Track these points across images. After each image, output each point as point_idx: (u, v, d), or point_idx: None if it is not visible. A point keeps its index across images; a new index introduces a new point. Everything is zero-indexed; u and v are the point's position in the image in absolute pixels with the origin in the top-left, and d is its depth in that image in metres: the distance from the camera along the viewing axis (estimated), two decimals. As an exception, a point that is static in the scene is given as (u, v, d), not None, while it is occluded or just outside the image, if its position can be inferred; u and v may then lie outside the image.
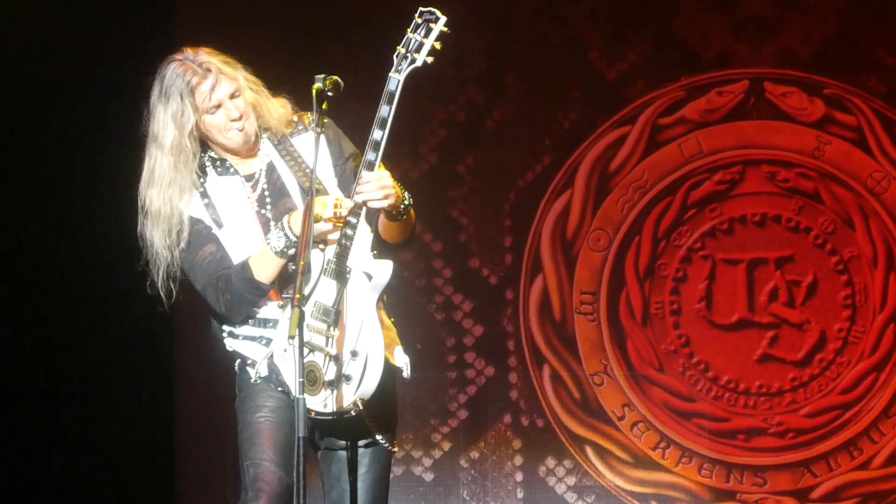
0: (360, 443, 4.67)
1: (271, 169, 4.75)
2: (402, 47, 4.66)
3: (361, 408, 4.61)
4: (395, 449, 4.73)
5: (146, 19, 7.17)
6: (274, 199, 4.73)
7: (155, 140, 4.69)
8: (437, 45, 4.65)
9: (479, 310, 7.19)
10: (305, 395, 4.52)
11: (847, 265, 7.20)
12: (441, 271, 7.26)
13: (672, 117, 7.23)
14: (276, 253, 4.60)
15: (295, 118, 4.78)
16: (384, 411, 4.67)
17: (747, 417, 7.20)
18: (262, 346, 4.68)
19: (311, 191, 4.57)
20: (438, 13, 4.64)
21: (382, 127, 4.60)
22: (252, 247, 4.69)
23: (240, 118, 4.66)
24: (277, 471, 4.58)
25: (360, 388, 4.59)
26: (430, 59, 4.62)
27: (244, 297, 4.66)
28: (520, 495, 7.24)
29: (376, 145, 4.57)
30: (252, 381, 4.70)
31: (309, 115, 4.75)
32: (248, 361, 4.74)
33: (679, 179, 7.24)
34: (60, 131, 7.12)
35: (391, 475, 6.95)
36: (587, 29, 7.23)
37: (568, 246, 7.28)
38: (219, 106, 4.64)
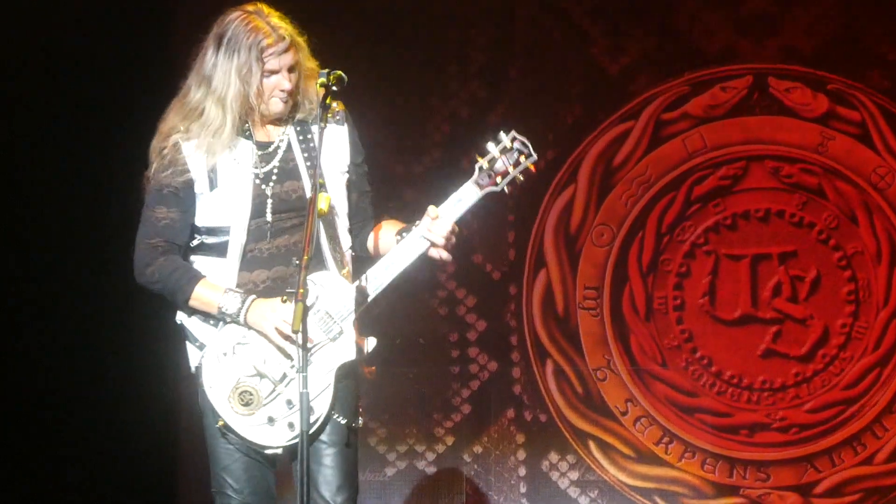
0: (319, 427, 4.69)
1: (288, 148, 4.75)
2: (486, 162, 4.72)
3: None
4: (355, 424, 4.72)
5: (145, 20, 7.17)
6: (281, 179, 4.73)
7: (209, 86, 4.68)
8: (521, 178, 4.72)
9: (483, 305, 7.18)
10: (242, 418, 4.65)
11: (850, 261, 7.20)
12: (444, 266, 7.00)
13: (675, 112, 7.24)
14: (217, 308, 4.64)
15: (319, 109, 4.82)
16: (345, 395, 4.70)
17: (750, 413, 7.19)
18: (212, 329, 4.70)
19: (315, 186, 4.58)
20: (531, 149, 4.72)
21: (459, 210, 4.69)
22: (233, 215, 4.68)
23: (290, 91, 4.68)
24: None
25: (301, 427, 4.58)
26: (508, 189, 4.70)
27: (167, 296, 4.71)
28: (523, 490, 7.24)
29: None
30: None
31: (335, 106, 4.78)
32: (197, 355, 4.74)
33: (682, 175, 7.25)
34: (66, 132, 7.08)
35: (394, 469, 7.07)
36: (590, 24, 7.24)
37: (571, 241, 7.29)
38: (276, 72, 4.65)
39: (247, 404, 4.68)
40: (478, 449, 7.24)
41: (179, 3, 7.30)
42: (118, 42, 7.10)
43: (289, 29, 4.68)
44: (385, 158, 7.12)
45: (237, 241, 4.71)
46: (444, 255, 4.72)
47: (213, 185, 4.70)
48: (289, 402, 4.67)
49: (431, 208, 4.72)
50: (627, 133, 7.25)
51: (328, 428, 4.70)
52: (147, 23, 7.15)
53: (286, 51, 4.65)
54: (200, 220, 4.74)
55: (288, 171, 4.74)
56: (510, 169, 4.70)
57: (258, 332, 4.67)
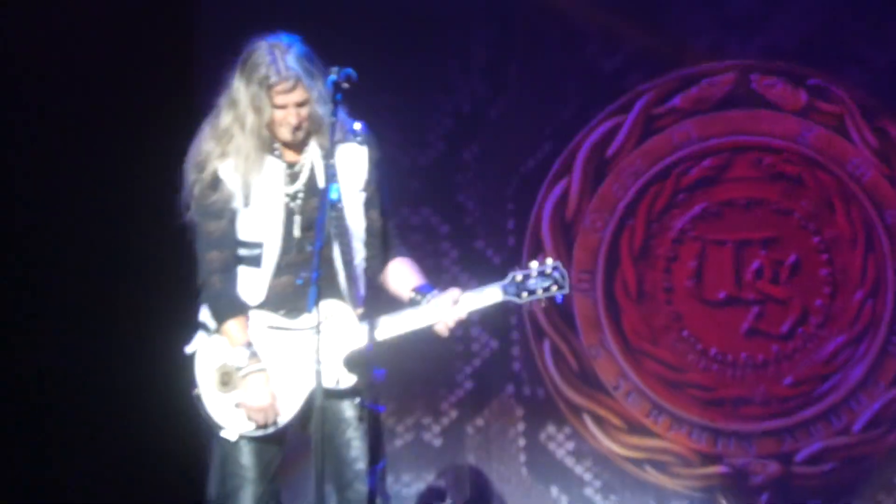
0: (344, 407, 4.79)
1: (313, 168, 4.80)
2: (521, 276, 4.74)
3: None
4: (367, 406, 4.80)
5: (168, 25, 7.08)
6: (306, 197, 4.79)
7: (235, 110, 4.75)
8: (543, 302, 4.77)
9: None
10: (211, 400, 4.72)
11: (828, 245, 7.20)
12: (448, 252, 7.28)
13: (664, 107, 7.24)
14: (232, 354, 4.74)
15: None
16: (365, 381, 4.81)
17: (734, 387, 7.20)
18: None
19: (326, 175, 4.65)
20: (567, 283, 4.74)
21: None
22: (266, 232, 4.75)
23: (298, 125, 4.73)
24: None
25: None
26: (528, 302, 4.75)
27: (210, 312, 4.81)
28: (522, 460, 7.25)
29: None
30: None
31: (357, 126, 4.82)
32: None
33: (671, 165, 7.24)
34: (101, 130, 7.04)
35: (402, 441, 7.09)
36: (585, 24, 7.20)
37: (567, 228, 7.27)
38: (285, 107, 4.71)
39: (224, 384, 4.76)
40: (480, 422, 7.27)
41: (201, 21, 7.18)
42: (140, 53, 7.02)
43: (303, 66, 4.69)
44: (392, 151, 6.78)
45: (271, 254, 4.79)
46: (446, 333, 4.77)
47: (246, 202, 4.77)
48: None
49: (455, 292, 4.75)
50: (619, 126, 7.26)
51: (354, 408, 4.79)
52: (169, 35, 7.06)
53: (293, 89, 4.67)
54: (239, 234, 4.83)
55: (312, 189, 4.79)
56: (539, 291, 4.73)
57: (243, 394, 4.73)
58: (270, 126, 4.75)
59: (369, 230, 4.88)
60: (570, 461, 7.28)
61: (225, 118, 4.78)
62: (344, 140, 4.79)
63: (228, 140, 4.77)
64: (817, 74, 7.20)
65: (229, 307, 4.80)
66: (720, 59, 7.23)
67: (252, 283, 4.82)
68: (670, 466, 7.26)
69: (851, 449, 7.20)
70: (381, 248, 4.93)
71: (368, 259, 4.89)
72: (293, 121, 4.72)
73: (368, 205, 4.87)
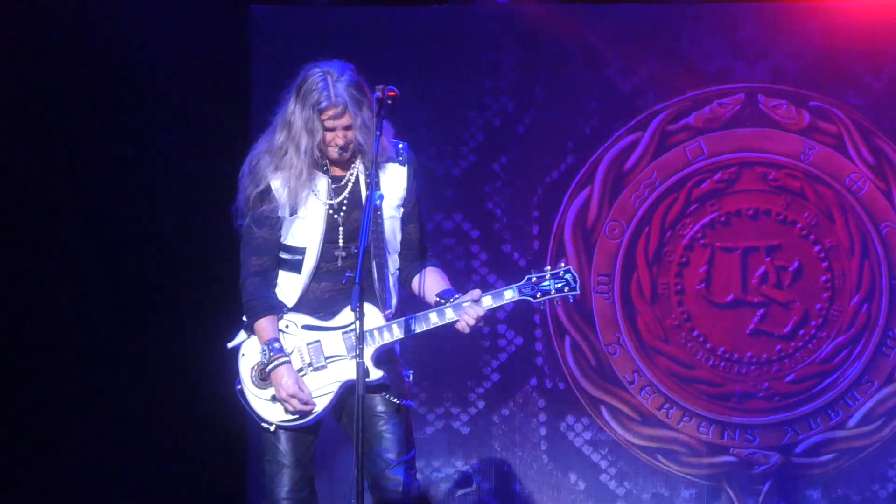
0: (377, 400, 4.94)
1: (356, 182, 4.96)
2: (536, 278, 4.87)
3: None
4: (402, 402, 4.94)
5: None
6: (349, 210, 4.95)
7: (289, 130, 4.90)
8: (558, 302, 4.89)
9: None
10: (253, 392, 4.90)
11: (828, 253, 7.26)
12: (478, 255, 7.32)
13: (679, 125, 7.31)
14: (261, 350, 4.90)
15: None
16: (392, 378, 4.96)
17: (740, 383, 7.25)
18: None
19: (372, 184, 4.82)
20: (578, 286, 4.85)
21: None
22: (309, 239, 4.88)
23: (345, 146, 4.90)
24: None
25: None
26: (543, 303, 4.87)
27: (246, 310, 4.98)
28: (543, 448, 7.30)
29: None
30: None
31: (401, 146, 4.97)
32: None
33: (684, 178, 7.31)
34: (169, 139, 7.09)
35: (433, 429, 7.09)
36: (605, 48, 7.26)
37: (587, 234, 7.33)
38: (333, 129, 4.90)
39: (263, 379, 4.93)
40: (505, 412, 7.30)
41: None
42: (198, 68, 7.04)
43: (351, 93, 4.83)
44: (428, 162, 7.16)
45: (310, 260, 4.94)
46: (467, 330, 4.90)
47: (293, 211, 4.91)
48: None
49: (475, 293, 4.88)
50: (637, 142, 7.31)
51: (385, 405, 4.94)
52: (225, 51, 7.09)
53: (342, 115, 4.83)
54: (283, 240, 5.00)
55: (355, 203, 4.93)
56: (553, 292, 4.85)
57: (273, 386, 4.88)
58: (321, 146, 4.89)
59: (405, 243, 5.03)
60: (587, 450, 7.34)
61: (279, 136, 4.92)
62: (387, 160, 4.95)
63: (282, 156, 4.91)
64: (818, 97, 7.25)
65: (262, 307, 4.96)
66: (730, 83, 7.28)
67: (290, 287, 5.00)
68: (680, 456, 7.30)
69: (848, 442, 7.24)
70: (414, 259, 5.07)
71: (402, 269, 5.05)
72: (340, 142, 4.87)
73: (407, 220, 5.01)
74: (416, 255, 5.06)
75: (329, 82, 4.83)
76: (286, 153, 4.90)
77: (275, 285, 5.02)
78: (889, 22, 7.15)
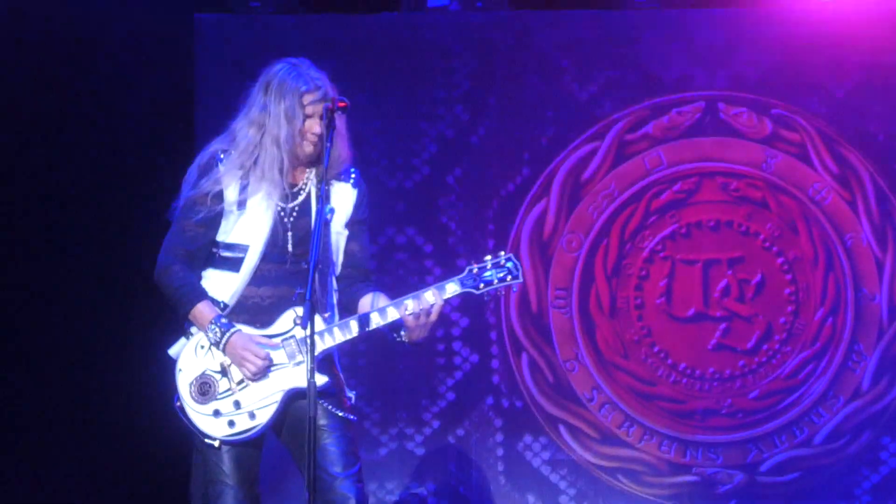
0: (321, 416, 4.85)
1: (310, 193, 4.91)
2: (477, 269, 4.81)
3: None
4: (345, 415, 4.86)
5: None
6: (298, 216, 4.90)
7: (261, 128, 4.83)
8: (501, 292, 4.80)
9: (465, 304, 7.14)
10: (194, 408, 4.79)
11: (791, 265, 7.25)
12: (432, 270, 7.29)
13: (637, 134, 7.28)
14: (205, 330, 4.82)
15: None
16: (335, 392, 4.89)
17: (702, 400, 7.24)
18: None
19: (322, 196, 4.74)
20: (520, 273, 4.77)
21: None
22: (255, 236, 4.80)
23: (319, 134, 4.85)
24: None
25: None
26: (486, 298, 4.79)
27: (173, 303, 4.88)
28: (500, 468, 7.27)
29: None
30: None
31: (351, 171, 4.94)
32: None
33: (643, 189, 7.28)
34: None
35: (386, 450, 6.99)
36: (561, 56, 7.26)
37: (544, 247, 7.30)
38: (311, 116, 4.84)
39: (203, 394, 4.84)
40: (461, 432, 7.28)
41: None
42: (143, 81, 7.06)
43: (324, 80, 4.85)
44: (380, 175, 7.19)
45: (252, 259, 4.86)
46: (414, 334, 4.81)
47: (241, 206, 4.85)
48: (236, 403, 4.85)
49: (419, 292, 4.81)
50: (594, 152, 7.29)
51: (328, 418, 4.84)
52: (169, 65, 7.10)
53: (323, 99, 4.82)
54: (222, 237, 4.90)
55: (306, 210, 4.89)
56: (496, 282, 4.78)
57: (231, 359, 4.80)
58: (301, 134, 4.84)
59: (349, 260, 4.99)
60: (546, 470, 7.30)
61: (247, 135, 4.85)
62: (340, 178, 4.93)
63: (252, 153, 4.85)
64: (780, 105, 7.25)
65: (196, 291, 4.86)
66: (689, 91, 7.28)
67: (223, 287, 4.90)
68: (642, 475, 7.28)
69: (813, 460, 7.23)
70: (357, 280, 5.01)
71: (342, 290, 5.00)
72: (317, 129, 4.82)
73: (350, 240, 4.98)
74: (359, 276, 5.01)
75: (302, 70, 4.85)
76: (259, 150, 4.83)
77: (200, 278, 4.93)
78: (852, 29, 7.17)
